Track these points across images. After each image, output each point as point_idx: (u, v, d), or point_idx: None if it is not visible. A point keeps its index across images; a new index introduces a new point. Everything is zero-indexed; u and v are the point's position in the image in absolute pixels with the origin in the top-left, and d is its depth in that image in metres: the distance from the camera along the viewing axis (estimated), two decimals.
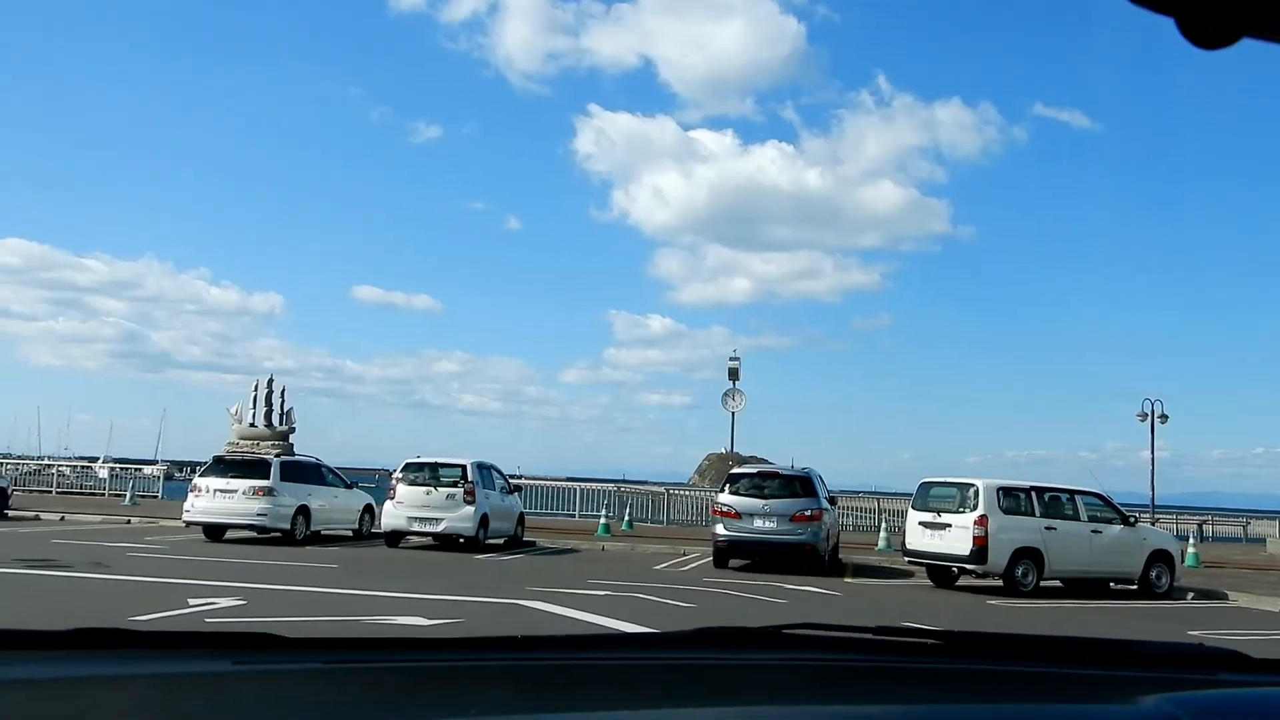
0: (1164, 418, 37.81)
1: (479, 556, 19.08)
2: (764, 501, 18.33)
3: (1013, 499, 16.81)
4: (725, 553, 18.49)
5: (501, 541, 21.13)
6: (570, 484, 35.56)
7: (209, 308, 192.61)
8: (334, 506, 21.50)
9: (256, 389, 31.63)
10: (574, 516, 33.38)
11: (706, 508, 35.31)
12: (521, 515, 22.65)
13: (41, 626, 1.50)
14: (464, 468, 20.28)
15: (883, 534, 24.27)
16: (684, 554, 21.40)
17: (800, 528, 18.10)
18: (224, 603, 11.20)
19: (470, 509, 19.82)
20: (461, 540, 19.89)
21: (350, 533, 22.07)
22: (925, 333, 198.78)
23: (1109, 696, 1.58)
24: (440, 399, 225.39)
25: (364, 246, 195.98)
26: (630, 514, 29.04)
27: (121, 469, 48.21)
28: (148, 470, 49.57)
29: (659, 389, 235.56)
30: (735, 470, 19.21)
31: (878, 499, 36.21)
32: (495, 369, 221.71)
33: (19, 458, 60.66)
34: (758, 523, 18.17)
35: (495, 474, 21.65)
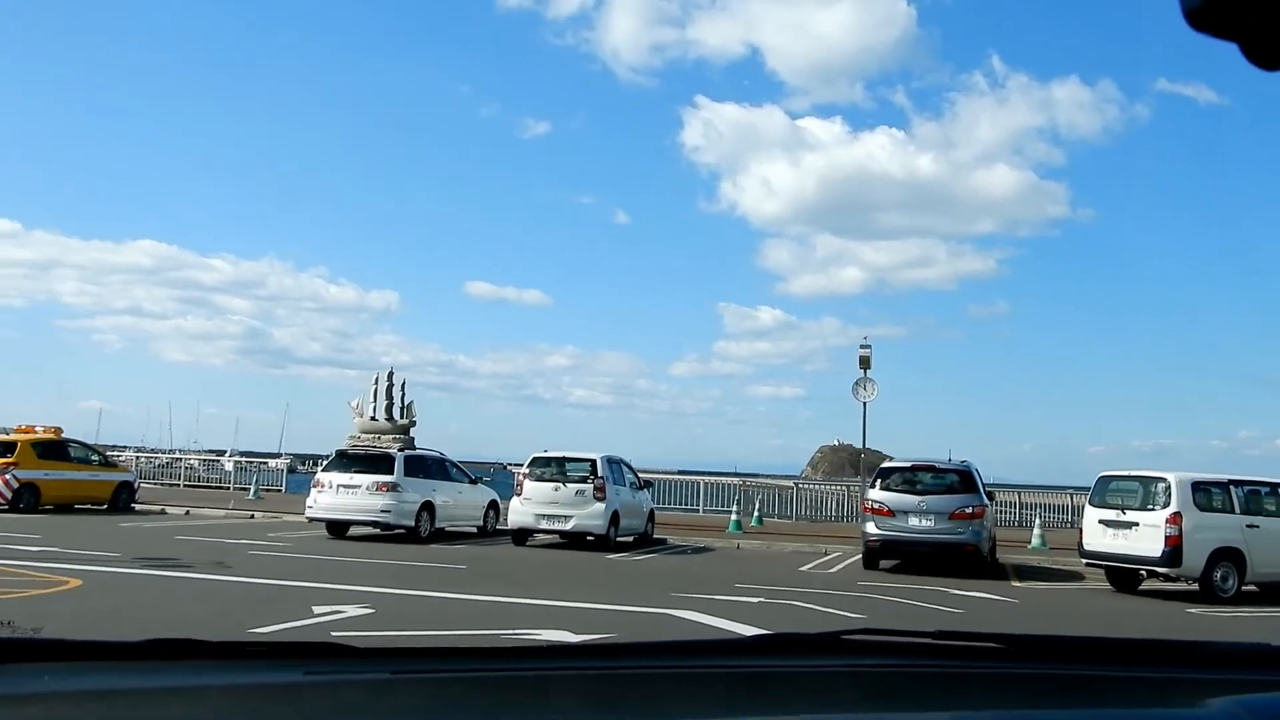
0: None
1: (611, 556, 17.88)
2: (920, 498, 16.73)
3: (1208, 494, 14.93)
4: (877, 553, 16.95)
5: (631, 539, 19.91)
6: (691, 477, 34.27)
7: (328, 305, 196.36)
8: (458, 503, 20.56)
9: (377, 382, 31.06)
10: (698, 511, 32.18)
11: (835, 502, 33.72)
12: (652, 512, 21.41)
13: (161, 634, 1.50)
14: (593, 462, 19.10)
15: (1037, 531, 22.34)
16: (825, 553, 19.91)
17: (961, 526, 16.46)
18: (350, 611, 10.14)
19: (600, 506, 18.64)
20: (591, 539, 18.75)
21: (474, 530, 21.12)
22: (1044, 319, 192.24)
23: (1174, 699, 1.59)
24: (551, 393, 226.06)
25: (476, 243, 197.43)
26: (760, 509, 27.57)
27: (247, 462, 49.02)
28: (272, 463, 50.13)
29: (769, 381, 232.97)
30: (887, 464, 17.61)
31: (1018, 492, 34.13)
32: (605, 363, 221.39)
33: (151, 451, 61.95)
34: (913, 520, 16.58)
35: (625, 469, 20.44)
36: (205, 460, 48.23)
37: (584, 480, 18.87)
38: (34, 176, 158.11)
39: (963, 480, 16.94)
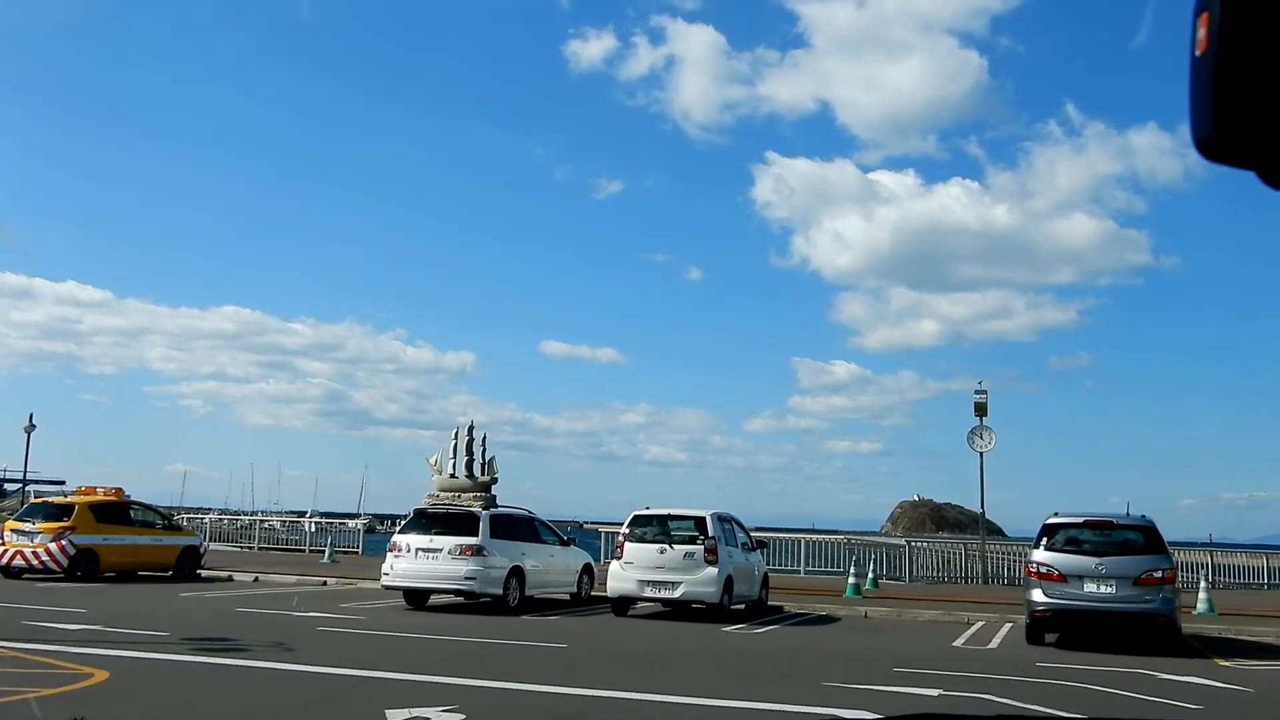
0: None
1: (728, 629, 15.33)
2: (1098, 560, 13.95)
3: None
4: (1045, 624, 14.18)
5: (743, 607, 17.30)
6: (784, 535, 31.48)
7: (405, 366, 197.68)
8: (549, 567, 18.17)
9: (456, 438, 28.93)
10: (799, 572, 29.43)
11: (951, 562, 30.68)
12: (766, 577, 18.79)
13: None
14: (702, 521, 16.61)
15: (1203, 595, 19.27)
16: (968, 622, 17.13)
17: (1149, 593, 13.64)
18: (433, 716, 7.77)
19: (713, 570, 16.13)
20: (701, 607, 16.24)
21: (567, 597, 18.70)
22: (1128, 370, 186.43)
23: None
24: (626, 450, 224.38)
25: (550, 302, 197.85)
26: (874, 570, 24.76)
27: (328, 522, 47.51)
28: (351, 524, 48.32)
29: (846, 436, 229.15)
30: (1054, 520, 14.82)
31: None
32: (680, 419, 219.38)
33: (234, 513, 60.90)
34: (1089, 587, 13.80)
35: (736, 527, 17.90)
36: (286, 522, 46.97)
37: (692, 541, 16.39)
38: (125, 247, 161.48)
39: (1147, 538, 14.13)
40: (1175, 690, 10.58)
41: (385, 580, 16.90)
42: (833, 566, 29.84)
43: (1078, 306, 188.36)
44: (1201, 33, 0.96)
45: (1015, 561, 29.45)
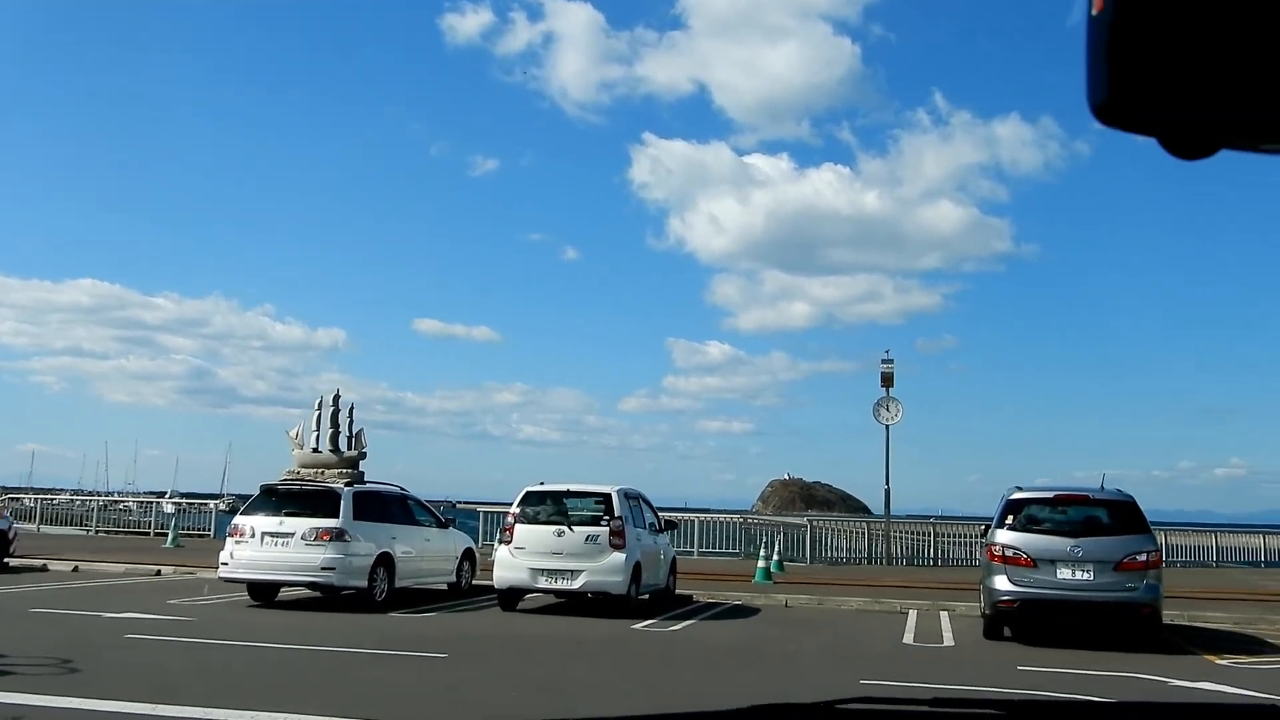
0: None
1: (638, 625, 12.79)
2: (1072, 541, 11.85)
3: None
4: (1010, 617, 12.07)
5: (647, 597, 14.77)
6: (685, 514, 29.17)
7: (274, 343, 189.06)
8: (424, 553, 15.34)
9: (320, 408, 25.59)
10: (691, 554, 27.18)
11: (852, 542, 28.82)
12: (674, 562, 16.29)
13: None
14: (607, 498, 14.00)
15: None
16: (901, 611, 15.01)
17: (1132, 579, 11.63)
18: None
19: (619, 557, 13.55)
20: (591, 597, 13.66)
21: (445, 586, 15.90)
22: (991, 353, 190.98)
23: None
24: (500, 429, 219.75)
25: (425, 280, 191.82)
26: (779, 552, 22.59)
27: (188, 504, 43.75)
28: (212, 504, 44.33)
29: (719, 416, 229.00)
30: (1018, 495, 12.62)
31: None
32: (555, 399, 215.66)
33: (89, 493, 56.07)
34: (1063, 573, 11.69)
35: (644, 506, 15.34)
36: (142, 503, 42.95)
37: (595, 522, 13.78)
38: None
39: (1127, 516, 12.11)
40: (1187, 698, 8.47)
41: (224, 571, 13.83)
42: (727, 547, 27.72)
43: (943, 291, 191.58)
44: None
45: (919, 541, 27.80)
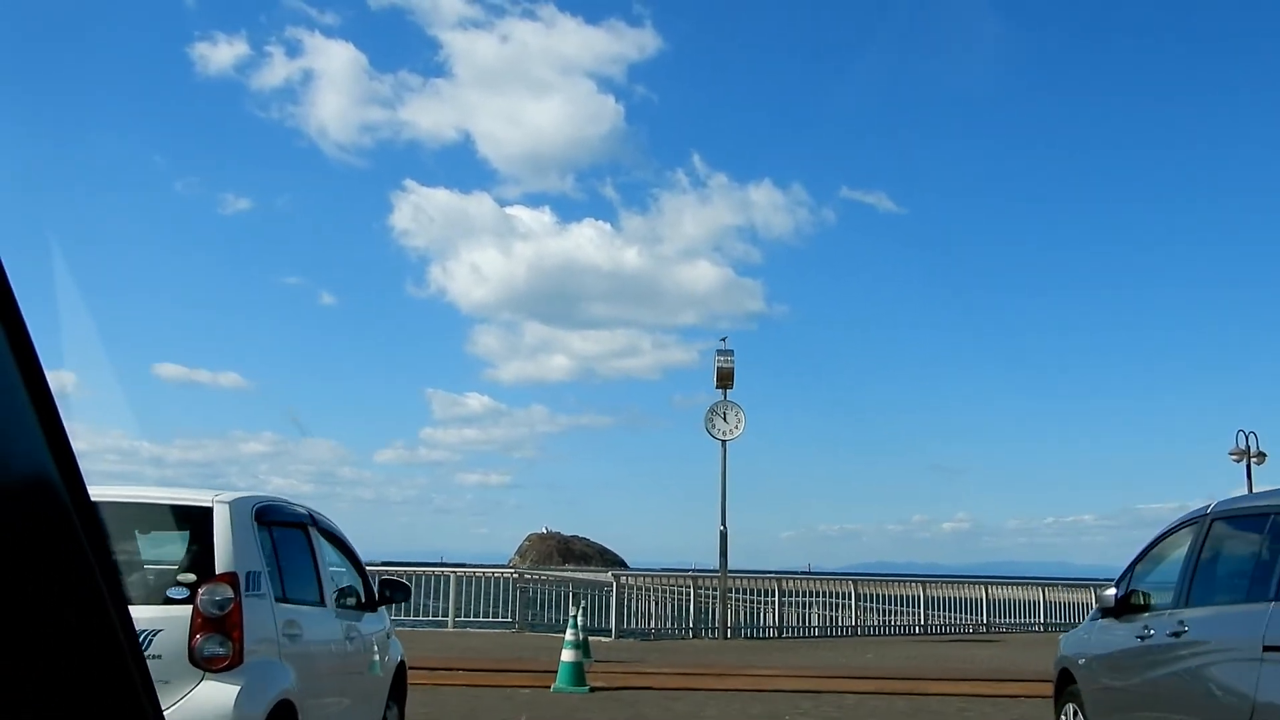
0: (1261, 456, 25.46)
1: None
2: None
3: None
4: None
5: None
6: (416, 570, 19.91)
7: None
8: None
9: None
10: (446, 626, 18.28)
11: (673, 606, 20.29)
12: (403, 667, 7.16)
13: None
14: (199, 522, 4.78)
15: None
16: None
17: None
18: None
19: (220, 694, 4.41)
20: None
21: None
22: (743, 410, 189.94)
23: None
24: (246, 481, 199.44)
25: (166, 321, 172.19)
26: (584, 620, 13.89)
27: None
28: None
29: (477, 468, 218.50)
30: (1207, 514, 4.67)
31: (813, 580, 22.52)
32: (308, 450, 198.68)
33: None
34: None
35: (317, 547, 6.01)
36: None
37: (165, 597, 4.58)
38: None
39: None
40: None
41: None
42: (497, 613, 18.81)
43: (700, 348, 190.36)
44: None
45: (759, 603, 19.78)
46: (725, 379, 18.35)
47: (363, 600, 6.19)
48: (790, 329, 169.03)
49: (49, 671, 0.71)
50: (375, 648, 6.20)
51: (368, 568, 6.91)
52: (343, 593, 6.04)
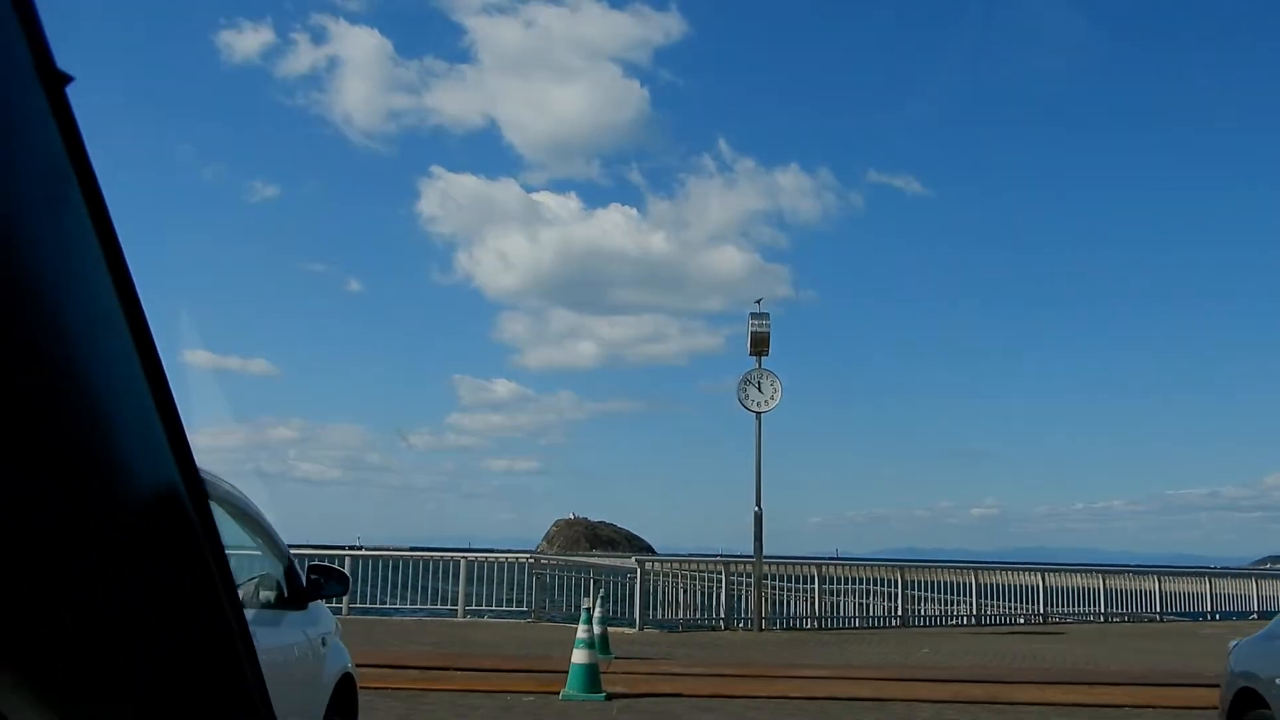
0: None
1: None
2: None
3: None
4: None
5: None
6: (428, 555, 18.26)
7: None
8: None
9: None
10: (456, 615, 16.65)
11: (699, 594, 18.44)
12: (348, 678, 5.44)
13: None
14: None
15: None
16: None
17: None
18: None
19: None
20: None
21: None
22: (780, 380, 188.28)
23: None
24: (276, 467, 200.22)
25: (195, 308, 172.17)
26: (603, 609, 12.16)
27: None
28: None
29: (504, 454, 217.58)
30: None
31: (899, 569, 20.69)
32: (336, 435, 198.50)
33: None
34: None
35: (219, 520, 4.51)
36: None
37: None
38: None
39: None
40: None
41: None
42: (511, 601, 17.31)
43: (726, 333, 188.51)
44: None
45: (795, 590, 17.99)
46: (760, 344, 16.53)
47: (285, 595, 4.47)
48: (818, 314, 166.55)
49: (179, 664, 0.74)
50: (299, 658, 4.47)
51: (390, 553, 5.26)
52: (259, 585, 4.35)
